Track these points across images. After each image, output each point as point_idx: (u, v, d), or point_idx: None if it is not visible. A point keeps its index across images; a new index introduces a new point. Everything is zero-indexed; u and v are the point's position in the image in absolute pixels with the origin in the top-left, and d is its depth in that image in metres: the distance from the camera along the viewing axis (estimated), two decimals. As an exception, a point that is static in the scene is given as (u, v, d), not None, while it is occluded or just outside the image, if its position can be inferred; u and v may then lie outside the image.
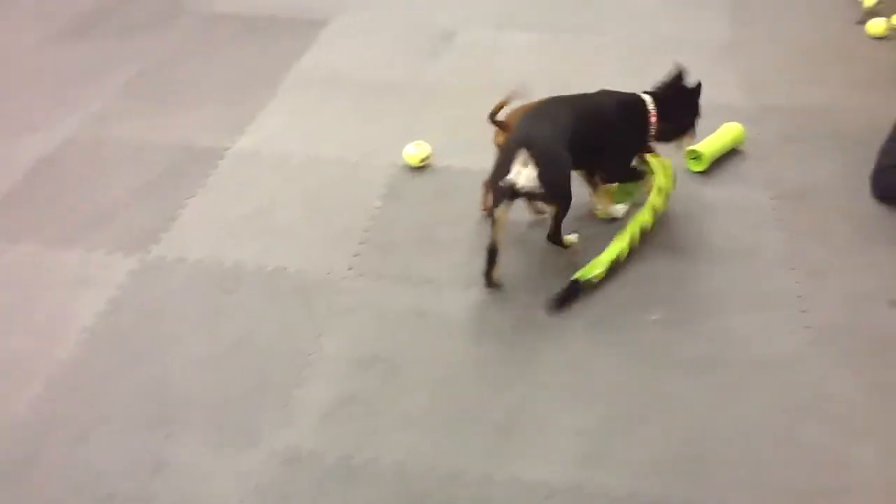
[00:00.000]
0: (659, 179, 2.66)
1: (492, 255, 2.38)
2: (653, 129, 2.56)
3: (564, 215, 2.43)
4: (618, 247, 2.50)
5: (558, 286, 2.41)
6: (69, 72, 3.71)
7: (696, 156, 2.92)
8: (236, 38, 4.00)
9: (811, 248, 2.60)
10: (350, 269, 2.54)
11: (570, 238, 2.54)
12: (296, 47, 3.86)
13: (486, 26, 4.04)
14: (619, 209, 2.69)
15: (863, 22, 3.94)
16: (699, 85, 2.58)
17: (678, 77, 2.60)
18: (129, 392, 2.17)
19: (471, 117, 3.25)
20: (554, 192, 2.34)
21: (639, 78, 3.48)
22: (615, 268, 2.50)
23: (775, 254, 2.58)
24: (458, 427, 2.06)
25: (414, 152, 2.98)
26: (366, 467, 1.97)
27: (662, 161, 2.69)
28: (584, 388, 2.15)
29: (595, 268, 2.45)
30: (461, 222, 2.72)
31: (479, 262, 2.45)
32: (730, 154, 3.02)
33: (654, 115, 2.54)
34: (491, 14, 4.16)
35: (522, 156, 2.22)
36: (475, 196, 2.77)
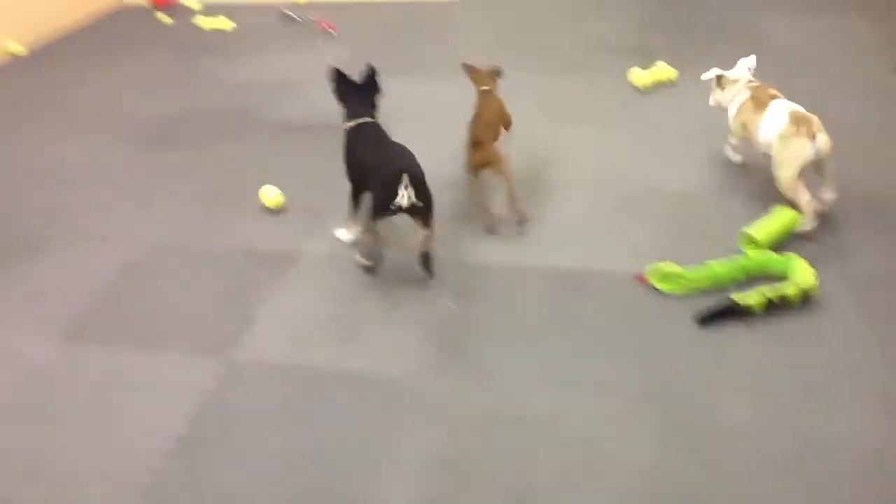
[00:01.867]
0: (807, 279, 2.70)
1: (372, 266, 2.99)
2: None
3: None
4: (782, 291, 2.63)
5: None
6: (153, 181, 3.93)
7: (751, 241, 2.92)
8: (303, 145, 4.18)
9: None
10: (428, 371, 2.58)
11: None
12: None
13: (540, 123, 4.17)
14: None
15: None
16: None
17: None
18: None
19: (530, 212, 3.33)
20: (431, 207, 2.85)
21: (700, 168, 3.50)
22: (770, 310, 2.63)
23: (863, 350, 2.53)
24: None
25: (272, 196, 3.55)
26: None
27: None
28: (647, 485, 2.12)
29: (755, 297, 2.60)
30: (531, 319, 2.75)
31: (560, 364, 2.51)
32: (797, 246, 3.01)
33: None
34: (545, 111, 4.31)
35: (405, 181, 2.72)
36: (543, 296, 2.85)
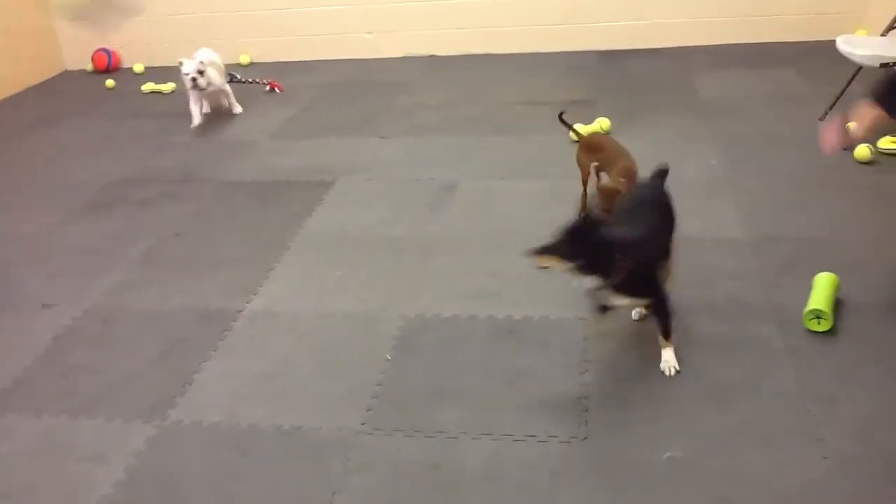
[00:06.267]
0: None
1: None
2: None
3: None
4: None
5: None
6: (91, 245, 3.88)
7: (818, 315, 2.79)
8: (247, 202, 4.19)
9: (821, 376, 2.60)
10: (363, 423, 2.56)
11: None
12: (304, 209, 4.03)
13: (485, 178, 4.21)
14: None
15: (850, 148, 4.08)
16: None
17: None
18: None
19: (473, 266, 3.38)
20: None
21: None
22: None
23: (786, 385, 2.58)
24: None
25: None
26: None
27: None
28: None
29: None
30: (469, 371, 2.76)
31: (490, 414, 2.50)
32: (731, 287, 3.08)
33: None
34: (490, 166, 4.36)
35: None
36: (481, 344, 2.85)
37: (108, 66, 6.85)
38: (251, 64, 6.67)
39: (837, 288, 2.92)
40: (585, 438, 2.42)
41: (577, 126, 4.56)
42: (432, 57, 6.47)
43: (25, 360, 3.03)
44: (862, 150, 3.99)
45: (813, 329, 2.79)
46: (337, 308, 3.18)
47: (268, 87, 6.00)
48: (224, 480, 2.40)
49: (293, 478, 2.38)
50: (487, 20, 6.33)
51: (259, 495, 2.33)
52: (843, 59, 4.27)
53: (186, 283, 3.47)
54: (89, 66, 6.93)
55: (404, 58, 6.49)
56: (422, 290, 3.24)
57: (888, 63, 4.02)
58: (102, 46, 6.84)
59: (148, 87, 6.26)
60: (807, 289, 3.01)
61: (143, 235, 3.92)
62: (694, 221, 3.56)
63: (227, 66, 6.41)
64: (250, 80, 6.15)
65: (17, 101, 6.43)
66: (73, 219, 4.18)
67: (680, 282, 3.11)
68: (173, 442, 2.57)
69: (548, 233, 3.53)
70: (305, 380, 2.80)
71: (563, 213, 3.72)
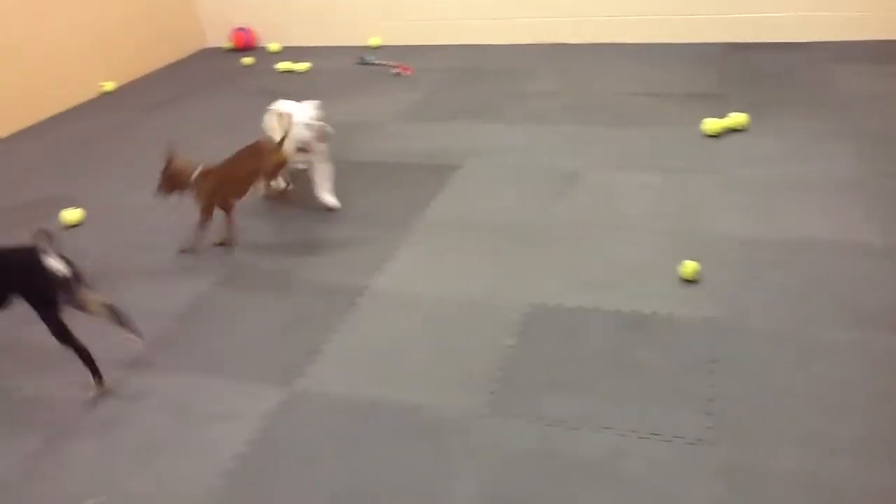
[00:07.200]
0: None
1: None
2: None
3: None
4: None
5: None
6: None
7: None
8: (374, 183, 4.28)
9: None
10: (484, 407, 2.60)
11: None
12: (428, 192, 4.08)
13: (607, 169, 4.18)
14: None
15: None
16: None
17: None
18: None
19: (596, 257, 3.37)
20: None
21: (763, 215, 3.46)
22: None
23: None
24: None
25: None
26: None
27: None
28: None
29: None
30: (593, 363, 2.75)
31: (613, 408, 2.50)
32: (860, 293, 2.96)
33: None
34: (612, 157, 4.31)
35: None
36: (606, 336, 2.85)
37: (245, 44, 7.12)
38: (381, 47, 6.79)
39: None
40: (713, 442, 2.38)
41: (708, 120, 4.45)
42: (555, 45, 6.42)
43: (165, 322, 3.22)
44: None
45: None
46: (459, 292, 3.23)
47: (396, 70, 6.10)
48: (347, 449, 2.48)
49: (413, 453, 2.44)
50: (613, 9, 6.22)
51: (379, 467, 2.40)
52: None
53: (309, 260, 3.58)
54: (228, 44, 7.23)
55: (528, 45, 6.48)
56: (544, 278, 3.25)
57: None
58: (241, 25, 7.12)
59: (283, 65, 6.48)
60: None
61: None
62: (824, 222, 3.44)
63: (357, 48, 6.60)
64: (381, 62, 6.27)
65: (157, 77, 6.76)
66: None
67: (805, 284, 3.03)
68: (300, 409, 2.68)
69: (668, 226, 3.52)
70: (427, 359, 2.86)
71: (682, 207, 3.69)
